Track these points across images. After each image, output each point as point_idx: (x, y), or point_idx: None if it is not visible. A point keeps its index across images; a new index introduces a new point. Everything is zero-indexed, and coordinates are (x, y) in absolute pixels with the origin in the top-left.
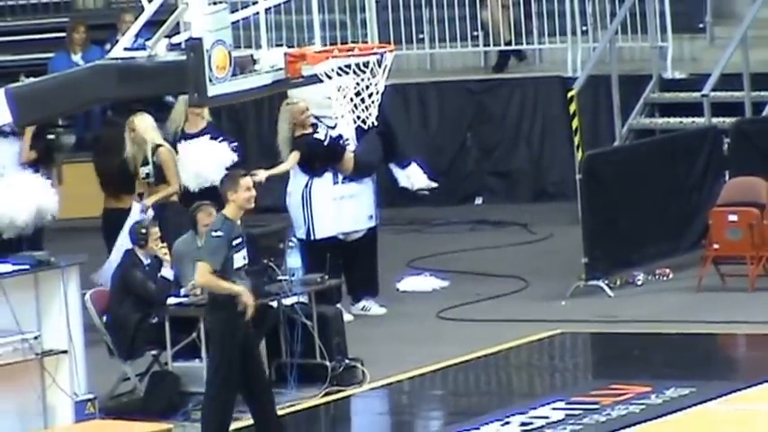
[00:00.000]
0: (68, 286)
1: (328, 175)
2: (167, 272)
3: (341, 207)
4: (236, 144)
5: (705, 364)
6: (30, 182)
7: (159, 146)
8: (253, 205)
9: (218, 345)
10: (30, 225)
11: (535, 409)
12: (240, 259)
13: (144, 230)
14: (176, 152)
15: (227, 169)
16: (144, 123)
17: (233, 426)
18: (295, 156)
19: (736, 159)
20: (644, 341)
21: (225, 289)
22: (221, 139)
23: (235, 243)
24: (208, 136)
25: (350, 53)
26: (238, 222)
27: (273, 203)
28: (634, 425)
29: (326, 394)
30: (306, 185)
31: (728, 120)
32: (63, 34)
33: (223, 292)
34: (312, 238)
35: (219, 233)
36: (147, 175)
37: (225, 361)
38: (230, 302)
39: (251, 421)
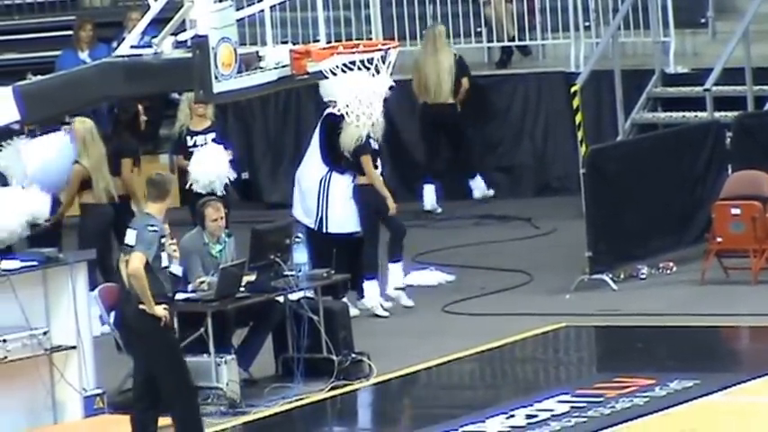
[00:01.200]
0: (77, 282)
1: (347, 173)
2: (176, 268)
3: (354, 205)
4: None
5: (709, 356)
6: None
7: (75, 162)
8: None
9: (164, 349)
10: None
11: (540, 402)
12: (165, 259)
13: None
14: (184, 148)
15: None
16: (81, 129)
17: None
18: (368, 159)
19: (739, 153)
20: (648, 334)
21: (146, 296)
22: (224, 144)
23: (162, 241)
24: (213, 134)
25: (354, 50)
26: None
27: (280, 199)
28: (638, 417)
29: (333, 388)
30: (323, 178)
31: (731, 114)
32: (70, 32)
33: (142, 296)
34: (324, 230)
35: (156, 228)
36: None
37: (175, 363)
38: (158, 303)
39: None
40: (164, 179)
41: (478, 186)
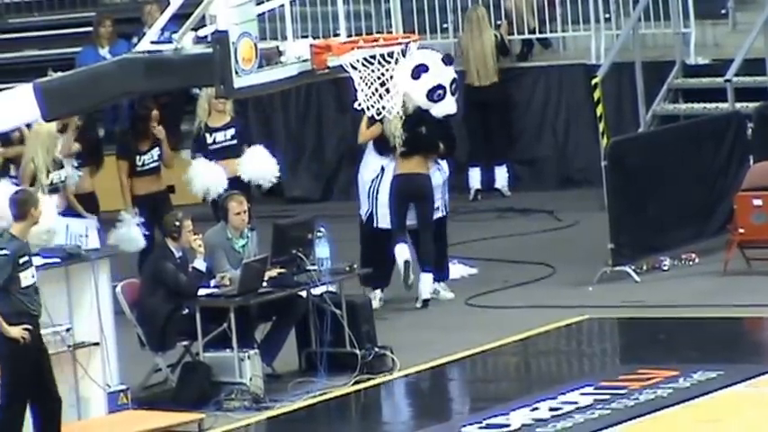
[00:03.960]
0: (99, 278)
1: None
2: (200, 263)
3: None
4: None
5: (732, 347)
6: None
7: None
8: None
9: (9, 364)
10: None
11: (564, 394)
12: (29, 277)
13: (177, 223)
14: (203, 145)
15: None
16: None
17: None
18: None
19: (760, 144)
20: (671, 326)
21: None
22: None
23: (22, 261)
24: (233, 130)
25: (375, 43)
26: (25, 241)
27: (300, 194)
28: (662, 409)
29: (357, 382)
30: (377, 176)
31: (752, 105)
32: (90, 29)
33: None
34: (375, 225)
35: (6, 251)
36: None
37: (15, 378)
38: (19, 323)
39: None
40: (25, 197)
41: (501, 178)
